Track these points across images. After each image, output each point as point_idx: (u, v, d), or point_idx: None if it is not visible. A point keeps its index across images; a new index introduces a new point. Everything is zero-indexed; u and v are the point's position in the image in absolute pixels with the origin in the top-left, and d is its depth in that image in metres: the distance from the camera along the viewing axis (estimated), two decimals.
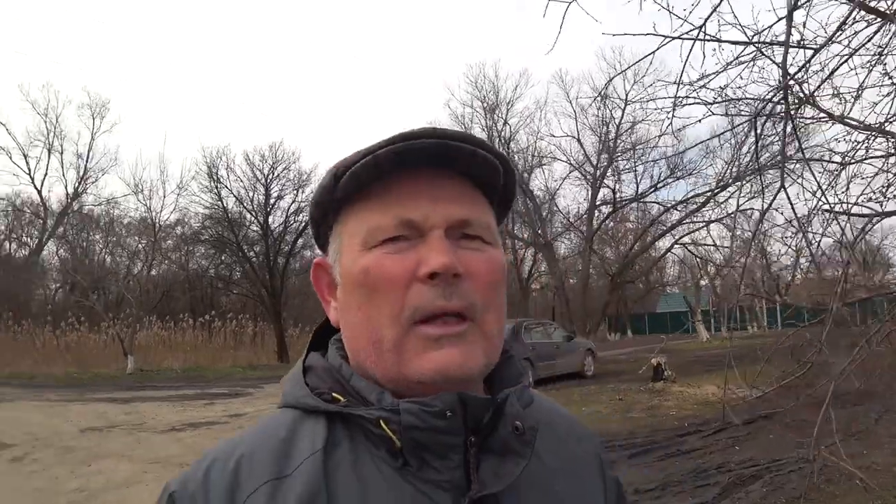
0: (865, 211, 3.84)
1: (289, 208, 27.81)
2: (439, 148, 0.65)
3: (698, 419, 6.81)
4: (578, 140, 21.53)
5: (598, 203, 22.52)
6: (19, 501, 5.36)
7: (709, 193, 18.76)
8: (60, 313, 24.55)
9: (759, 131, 3.98)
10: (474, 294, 0.65)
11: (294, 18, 69.40)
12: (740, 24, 3.45)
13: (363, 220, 0.67)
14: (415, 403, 0.62)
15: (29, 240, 26.83)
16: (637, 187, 19.78)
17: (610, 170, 20.84)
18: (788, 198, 3.68)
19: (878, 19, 3.26)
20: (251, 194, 30.18)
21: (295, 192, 30.02)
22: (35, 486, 5.87)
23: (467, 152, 0.66)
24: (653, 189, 18.70)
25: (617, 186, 21.97)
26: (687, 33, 3.45)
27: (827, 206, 3.65)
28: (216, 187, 29.23)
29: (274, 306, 25.99)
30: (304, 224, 26.08)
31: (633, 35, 3.45)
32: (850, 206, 3.76)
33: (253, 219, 29.78)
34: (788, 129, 3.68)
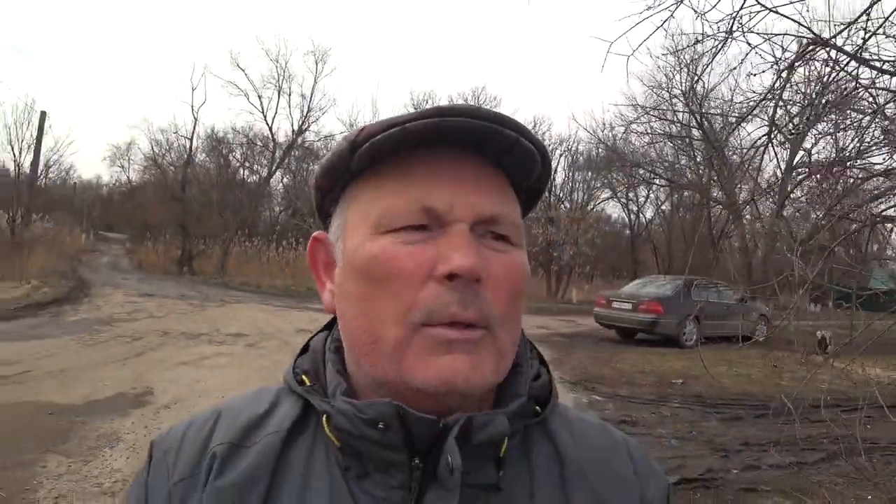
0: None
1: None
2: (479, 130, 0.54)
3: (843, 395, 6.91)
4: (780, 98, 19.87)
5: (794, 166, 20.85)
6: (252, 374, 7.09)
7: None
8: (282, 233, 27.89)
9: None
10: (493, 304, 0.54)
11: None
12: None
13: (377, 200, 0.57)
14: (350, 405, 0.55)
15: (260, 168, 30.16)
16: (836, 151, 17.91)
17: (812, 131, 19.02)
18: None
19: None
20: None
21: None
22: (262, 364, 7.72)
23: (510, 140, 0.56)
24: (857, 154, 16.82)
25: (818, 149, 20.05)
26: None
27: None
28: None
29: None
30: None
31: None
32: None
33: None
34: None
